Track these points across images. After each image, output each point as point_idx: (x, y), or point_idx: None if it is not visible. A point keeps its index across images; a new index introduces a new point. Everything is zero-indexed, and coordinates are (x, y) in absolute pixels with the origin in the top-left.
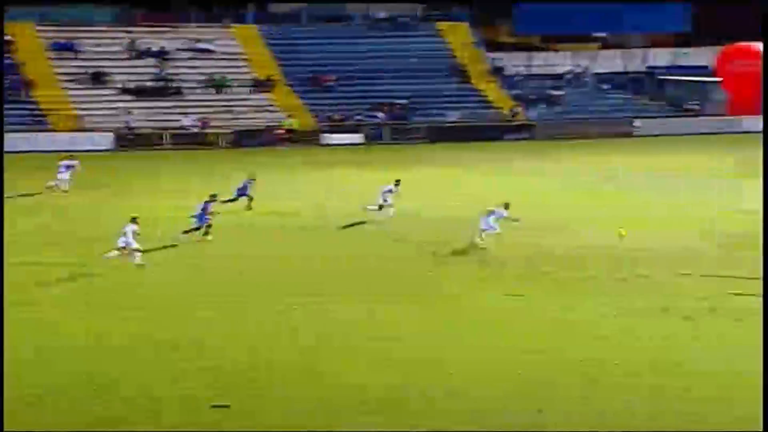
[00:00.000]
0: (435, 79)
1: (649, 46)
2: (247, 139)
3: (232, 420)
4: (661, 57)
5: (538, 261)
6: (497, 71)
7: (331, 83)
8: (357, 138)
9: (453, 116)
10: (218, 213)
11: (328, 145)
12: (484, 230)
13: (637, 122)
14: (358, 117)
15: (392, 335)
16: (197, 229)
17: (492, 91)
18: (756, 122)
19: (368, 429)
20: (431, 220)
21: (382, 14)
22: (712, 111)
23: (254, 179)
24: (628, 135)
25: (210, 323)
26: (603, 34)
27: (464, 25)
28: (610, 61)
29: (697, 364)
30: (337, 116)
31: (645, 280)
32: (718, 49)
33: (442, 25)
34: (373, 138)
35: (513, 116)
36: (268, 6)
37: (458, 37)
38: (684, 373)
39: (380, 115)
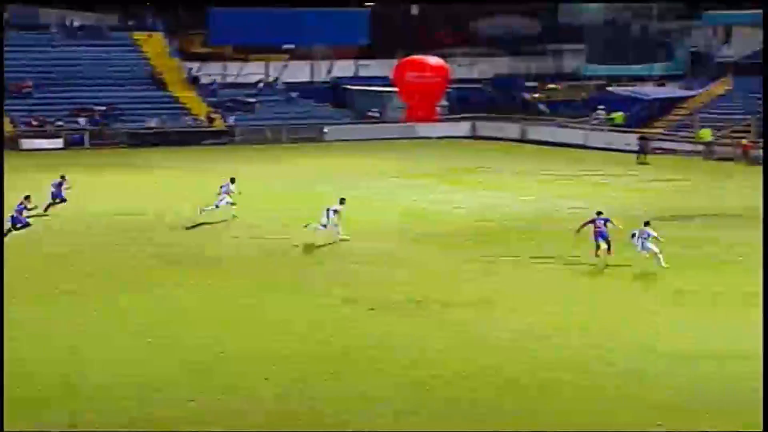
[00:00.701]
0: (133, 87)
1: (334, 58)
2: None
3: None
4: (344, 68)
5: (246, 258)
6: (194, 80)
7: (29, 90)
8: (57, 143)
9: (152, 122)
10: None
11: (28, 150)
12: (324, 226)
13: (326, 128)
14: (59, 123)
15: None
16: (10, 231)
17: (189, 99)
18: (429, 129)
19: None
20: (131, 220)
21: (78, 23)
22: (392, 118)
23: (64, 180)
24: (319, 140)
25: None
26: (291, 46)
27: (159, 35)
28: (299, 71)
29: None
30: (35, 122)
31: (348, 273)
32: (394, 61)
33: (139, 35)
34: (73, 143)
35: (210, 122)
36: None
37: (154, 46)
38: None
39: (81, 121)
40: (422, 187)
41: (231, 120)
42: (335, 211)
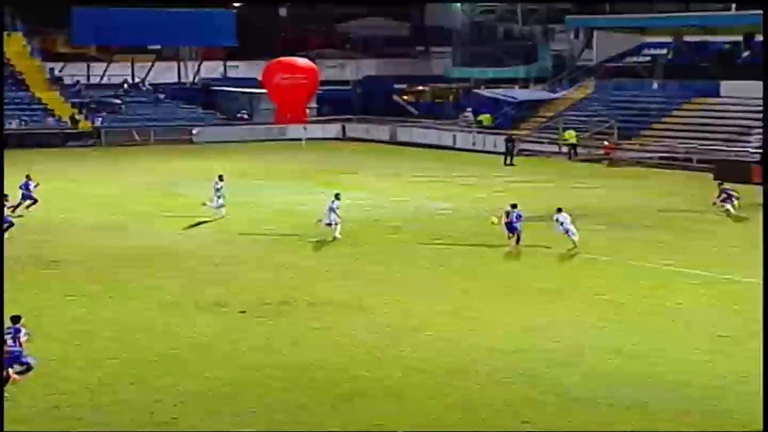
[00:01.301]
0: None
1: (202, 59)
2: None
3: None
4: (212, 69)
5: (101, 261)
6: (57, 80)
7: None
8: None
9: (13, 124)
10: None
11: None
12: (330, 223)
13: (195, 130)
14: None
15: None
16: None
17: (52, 99)
18: (298, 131)
19: None
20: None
21: None
22: (262, 120)
23: (29, 180)
24: (188, 142)
25: None
26: (158, 47)
27: (19, 34)
28: (166, 72)
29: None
30: None
31: (209, 275)
32: (263, 63)
33: None
34: None
35: (74, 124)
36: None
37: (14, 46)
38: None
39: None
40: (291, 189)
41: (97, 121)
42: (336, 208)
